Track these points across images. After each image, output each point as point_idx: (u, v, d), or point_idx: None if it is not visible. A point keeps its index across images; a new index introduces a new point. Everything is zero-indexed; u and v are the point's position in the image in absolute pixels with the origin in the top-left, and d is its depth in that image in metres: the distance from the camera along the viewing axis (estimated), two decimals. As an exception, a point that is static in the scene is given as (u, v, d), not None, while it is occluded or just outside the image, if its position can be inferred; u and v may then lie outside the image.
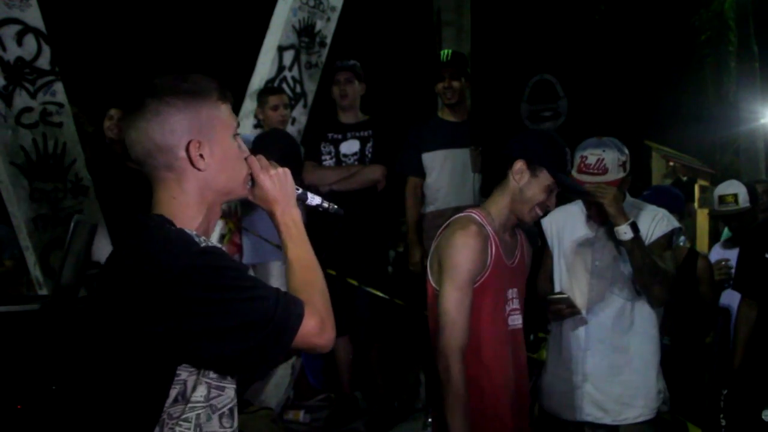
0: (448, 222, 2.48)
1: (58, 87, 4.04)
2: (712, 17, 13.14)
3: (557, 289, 2.91)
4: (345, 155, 4.41)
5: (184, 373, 1.42)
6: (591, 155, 2.77)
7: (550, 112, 6.41)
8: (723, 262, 4.05)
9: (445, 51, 4.62)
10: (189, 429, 1.43)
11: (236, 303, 1.39)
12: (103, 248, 4.10)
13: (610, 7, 12.64)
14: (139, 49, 9.58)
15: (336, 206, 1.77)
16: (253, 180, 1.58)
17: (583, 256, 2.88)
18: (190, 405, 1.43)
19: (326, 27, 5.00)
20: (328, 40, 5.04)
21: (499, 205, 2.45)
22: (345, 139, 4.42)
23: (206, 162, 1.48)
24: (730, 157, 14.82)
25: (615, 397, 2.80)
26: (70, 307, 3.27)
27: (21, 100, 3.89)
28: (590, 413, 2.83)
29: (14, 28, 3.87)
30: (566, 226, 2.96)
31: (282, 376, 4.28)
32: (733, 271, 3.91)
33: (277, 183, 1.59)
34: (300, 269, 1.55)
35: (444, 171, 4.27)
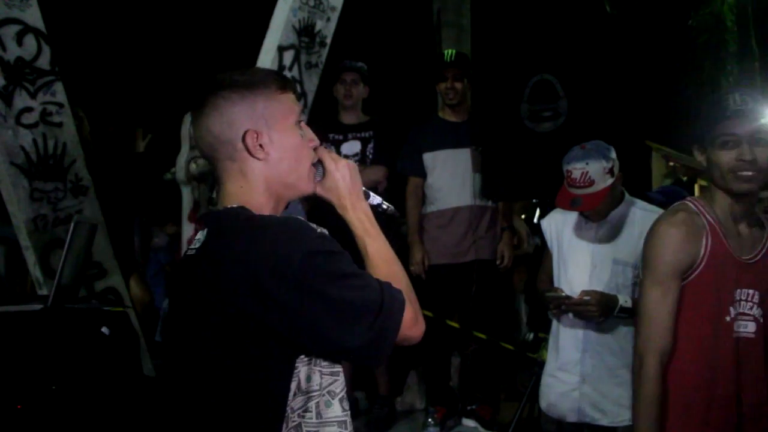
0: (664, 212, 2.22)
1: (58, 87, 4.04)
2: (709, 19, 13.15)
3: None
4: (346, 156, 4.40)
5: (299, 365, 1.40)
6: (575, 170, 2.74)
7: (550, 112, 6.40)
8: None
9: (449, 51, 4.61)
10: (312, 418, 1.42)
11: (354, 291, 1.37)
12: (103, 248, 4.10)
13: (612, 7, 12.64)
14: (139, 49, 9.58)
15: (393, 207, 1.70)
16: (323, 171, 1.56)
17: (582, 257, 2.88)
18: (309, 395, 1.41)
19: (326, 27, 5.00)
20: (328, 40, 5.04)
21: (713, 191, 2.12)
22: (346, 139, 4.42)
23: (266, 151, 1.48)
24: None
25: (613, 398, 2.79)
26: (70, 307, 3.27)
27: (21, 100, 3.89)
28: (588, 414, 2.83)
29: (14, 28, 3.86)
30: (566, 227, 2.96)
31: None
32: None
33: (348, 175, 1.56)
34: (383, 263, 1.51)
35: (445, 171, 4.27)
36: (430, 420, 4.00)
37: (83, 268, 3.46)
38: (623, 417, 2.77)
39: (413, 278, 4.35)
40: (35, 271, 3.99)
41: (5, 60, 3.83)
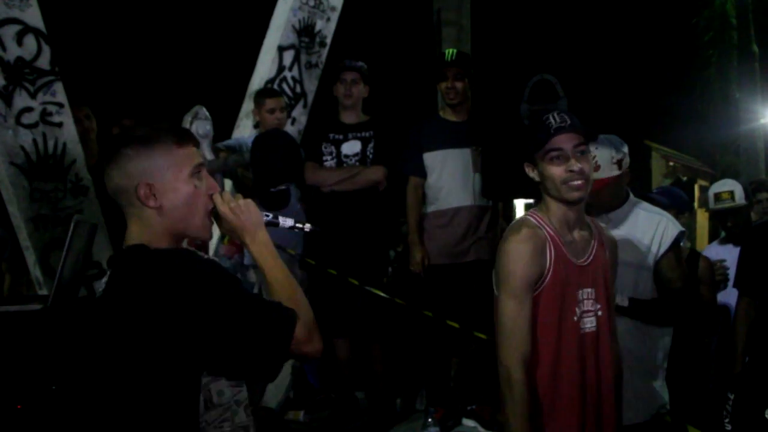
0: (508, 228, 2.39)
1: (58, 87, 4.03)
2: (714, 17, 13.16)
3: None
4: (346, 156, 4.40)
5: (205, 380, 1.58)
6: None
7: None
8: (719, 263, 4.05)
9: (450, 50, 4.59)
10: (228, 428, 1.62)
11: (245, 311, 1.56)
12: (103, 248, 4.10)
13: (613, 7, 12.65)
14: (139, 49, 9.58)
15: (311, 225, 1.90)
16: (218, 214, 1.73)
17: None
18: (222, 407, 1.61)
19: (326, 27, 5.00)
20: (328, 40, 5.04)
21: (548, 203, 2.34)
22: (346, 139, 4.42)
23: (158, 201, 1.66)
24: (730, 157, 14.81)
25: None
26: (70, 307, 3.27)
27: (21, 100, 3.89)
28: None
29: (14, 28, 3.86)
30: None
31: (282, 377, 4.28)
32: (728, 271, 3.92)
33: (240, 214, 1.72)
34: (281, 289, 1.69)
35: (445, 171, 4.27)
36: (430, 420, 4.00)
37: (83, 268, 3.45)
38: (625, 417, 2.77)
39: (413, 278, 4.35)
40: (35, 271, 3.99)
41: (5, 60, 3.83)
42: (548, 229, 2.30)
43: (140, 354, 1.54)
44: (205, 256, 1.66)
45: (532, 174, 2.33)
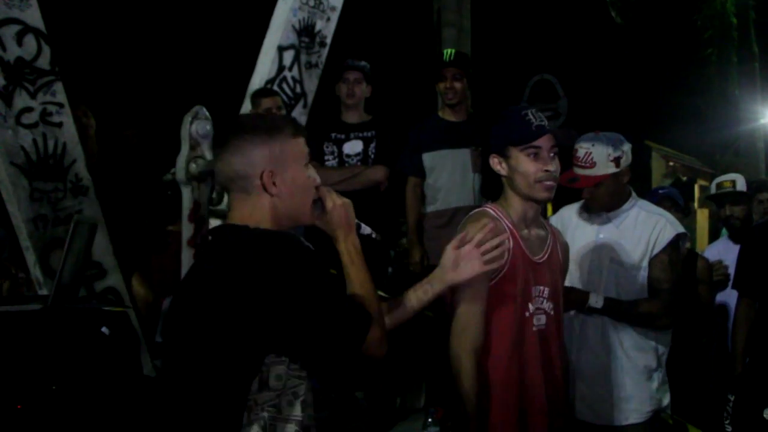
0: (466, 218, 2.39)
1: (58, 87, 4.03)
2: (714, 15, 13.16)
3: None
4: (348, 155, 4.41)
5: (271, 365, 1.61)
6: (581, 148, 2.81)
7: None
8: (719, 263, 4.06)
9: (448, 51, 4.61)
10: (275, 414, 1.61)
11: (326, 301, 1.61)
12: (103, 248, 4.09)
13: (619, 15, 12.64)
14: (139, 48, 9.58)
15: (379, 235, 2.02)
16: (323, 207, 1.82)
17: (583, 255, 2.88)
18: (274, 392, 1.61)
19: (326, 27, 5.00)
20: (328, 40, 5.04)
21: (510, 198, 2.34)
22: (348, 139, 4.42)
23: (278, 188, 1.72)
24: (730, 157, 14.81)
25: (605, 398, 2.80)
26: (70, 307, 3.27)
27: (21, 100, 3.88)
28: (580, 411, 2.84)
29: (14, 28, 3.86)
30: (570, 224, 2.96)
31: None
32: (729, 271, 3.92)
33: (343, 212, 1.83)
34: (360, 288, 1.78)
35: (444, 171, 4.27)
36: (430, 420, 4.00)
37: (83, 268, 3.45)
38: (618, 418, 2.77)
39: (413, 278, 4.35)
40: (35, 271, 3.99)
41: (5, 60, 3.83)
42: (507, 222, 2.31)
43: (217, 320, 1.58)
44: (306, 243, 1.69)
45: (498, 167, 2.32)
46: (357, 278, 1.79)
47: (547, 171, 2.25)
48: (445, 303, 2.38)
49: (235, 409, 1.58)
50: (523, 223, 2.34)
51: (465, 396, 2.22)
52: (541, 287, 2.34)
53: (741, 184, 4.11)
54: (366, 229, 1.96)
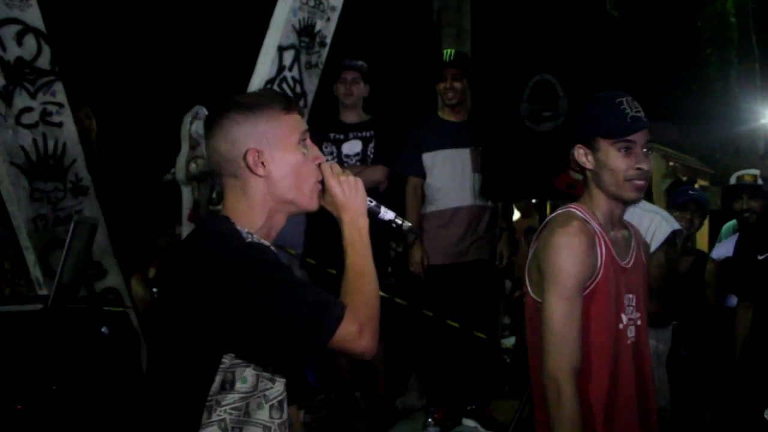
0: (546, 220, 2.13)
1: (58, 87, 4.03)
2: (714, 15, 13.17)
3: None
4: (347, 156, 4.41)
5: (230, 362, 1.50)
6: None
7: (550, 112, 6.38)
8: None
9: (448, 51, 4.61)
10: (239, 416, 1.50)
11: (274, 297, 1.45)
12: (103, 248, 4.09)
13: (617, 10, 12.65)
14: (139, 48, 9.57)
15: (409, 223, 1.78)
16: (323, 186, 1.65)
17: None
18: (240, 394, 1.50)
19: (326, 27, 4.99)
20: (328, 40, 5.03)
21: (595, 197, 2.07)
22: (347, 139, 4.42)
23: (267, 169, 1.58)
24: (730, 157, 14.82)
25: None
26: (70, 307, 3.27)
27: (21, 100, 3.88)
28: None
29: (14, 28, 3.86)
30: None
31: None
32: None
33: (347, 190, 1.64)
34: (352, 276, 1.58)
35: (444, 171, 4.27)
36: (430, 420, 4.00)
37: (83, 268, 3.45)
38: None
39: (412, 278, 4.35)
40: (35, 271, 3.99)
41: (5, 60, 3.83)
42: (595, 223, 2.04)
43: (171, 317, 1.52)
44: (262, 241, 1.55)
45: (584, 159, 2.07)
46: (353, 264, 1.59)
47: (639, 169, 2.00)
48: (525, 317, 2.13)
49: (193, 408, 1.49)
50: (610, 224, 2.09)
51: (564, 424, 1.90)
52: (631, 295, 2.08)
53: (761, 181, 4.14)
54: (388, 213, 1.72)
